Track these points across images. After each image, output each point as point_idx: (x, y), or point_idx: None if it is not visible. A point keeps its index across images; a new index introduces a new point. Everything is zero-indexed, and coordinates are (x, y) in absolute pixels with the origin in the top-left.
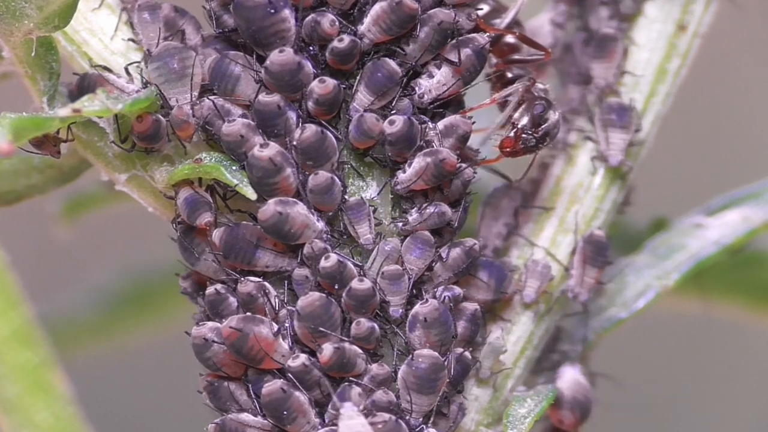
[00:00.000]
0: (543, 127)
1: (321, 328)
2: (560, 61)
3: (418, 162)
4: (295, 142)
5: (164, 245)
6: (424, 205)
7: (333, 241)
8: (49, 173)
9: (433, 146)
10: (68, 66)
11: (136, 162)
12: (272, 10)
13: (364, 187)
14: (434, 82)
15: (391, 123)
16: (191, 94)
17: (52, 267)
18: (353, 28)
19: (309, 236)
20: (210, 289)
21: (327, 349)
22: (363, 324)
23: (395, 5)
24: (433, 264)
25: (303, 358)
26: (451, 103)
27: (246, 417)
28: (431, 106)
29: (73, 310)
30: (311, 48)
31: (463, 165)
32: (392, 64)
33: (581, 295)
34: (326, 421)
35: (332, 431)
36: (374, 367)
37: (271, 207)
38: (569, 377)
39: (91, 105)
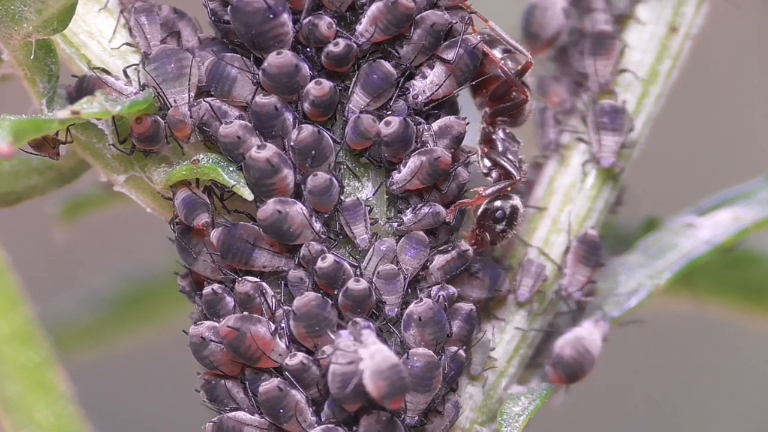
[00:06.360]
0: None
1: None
2: (554, 59)
3: (413, 161)
4: (292, 143)
5: (162, 247)
6: (419, 206)
7: (329, 242)
8: (48, 174)
9: (427, 147)
10: (67, 68)
11: (134, 163)
12: (271, 15)
13: (360, 188)
14: (427, 82)
15: (387, 124)
16: (188, 95)
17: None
18: (347, 34)
19: (307, 236)
20: (207, 289)
21: (328, 351)
22: (359, 324)
23: (391, 5)
24: (428, 264)
25: (300, 356)
26: (445, 104)
27: (243, 415)
28: (426, 107)
29: (70, 314)
30: (308, 50)
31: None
32: (387, 65)
33: (574, 294)
34: (323, 419)
35: (328, 429)
36: None
37: (270, 206)
38: (572, 336)
39: (89, 107)
